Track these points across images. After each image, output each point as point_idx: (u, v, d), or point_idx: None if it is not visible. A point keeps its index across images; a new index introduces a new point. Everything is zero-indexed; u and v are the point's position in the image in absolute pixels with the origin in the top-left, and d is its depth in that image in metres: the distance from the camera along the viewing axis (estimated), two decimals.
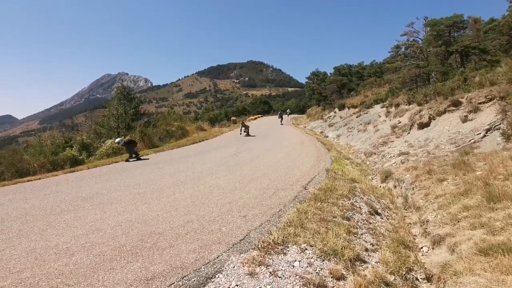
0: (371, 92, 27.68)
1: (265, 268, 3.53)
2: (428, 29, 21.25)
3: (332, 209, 5.63)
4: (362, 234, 4.94)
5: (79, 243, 4.20)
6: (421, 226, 5.76)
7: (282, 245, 4.10)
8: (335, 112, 30.85)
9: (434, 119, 12.49)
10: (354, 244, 4.37)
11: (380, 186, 8.96)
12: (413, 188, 7.56)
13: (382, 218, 6.11)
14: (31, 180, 9.64)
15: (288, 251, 3.98)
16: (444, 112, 12.26)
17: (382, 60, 36.98)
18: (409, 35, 22.33)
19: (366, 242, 4.68)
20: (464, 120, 10.69)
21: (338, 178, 8.01)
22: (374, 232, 5.19)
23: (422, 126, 12.64)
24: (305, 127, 32.49)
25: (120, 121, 22.00)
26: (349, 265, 3.78)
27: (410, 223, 6.19)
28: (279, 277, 3.40)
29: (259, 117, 52.80)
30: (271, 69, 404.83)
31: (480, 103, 10.77)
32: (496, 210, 4.77)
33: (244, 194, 6.44)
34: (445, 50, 20.09)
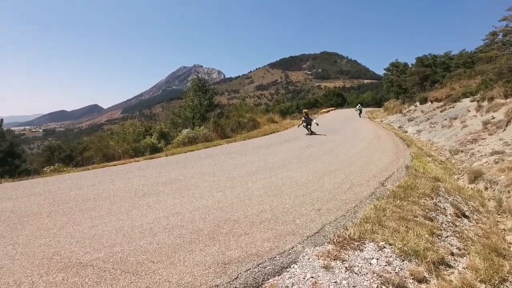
0: (458, 85, 25.14)
1: (340, 263, 3.44)
2: None
3: (412, 208, 5.25)
4: (447, 236, 4.53)
5: (160, 225, 4.49)
6: None
7: (358, 241, 3.94)
8: (415, 106, 28.78)
9: None
10: (438, 247, 4.04)
11: (468, 187, 8.12)
12: (509, 191, 6.72)
13: (470, 222, 5.54)
14: (116, 165, 10.51)
15: (365, 247, 3.82)
16: None
17: (474, 49, 33.16)
18: (510, 20, 19.69)
19: (451, 245, 4.28)
20: None
21: (419, 176, 7.44)
22: (461, 236, 4.73)
23: None
24: (381, 121, 30.86)
25: (195, 112, 23.10)
26: (432, 268, 3.50)
27: (504, 229, 5.51)
28: (355, 273, 3.28)
29: (332, 109, 51.54)
30: (345, 60, 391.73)
31: None
32: None
33: (317, 188, 6.32)
34: None
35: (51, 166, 11.72)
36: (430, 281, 3.33)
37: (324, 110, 48.59)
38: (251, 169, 8.29)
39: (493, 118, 13.67)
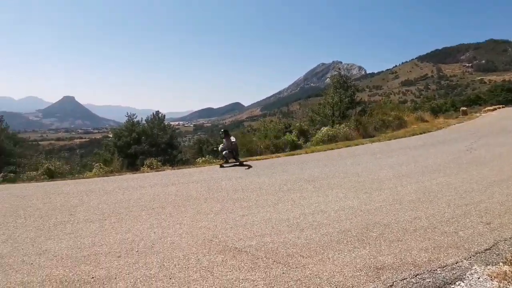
0: None
1: None
2: None
3: None
4: None
5: (306, 221, 4.53)
6: None
7: None
8: None
9: None
10: None
11: None
12: None
13: None
14: (259, 159, 11.20)
15: None
16: None
17: None
18: None
19: None
20: None
21: None
22: None
23: None
24: None
25: (335, 109, 22.81)
26: None
27: None
28: None
29: (500, 107, 43.54)
30: None
31: None
32: None
33: (485, 198, 5.35)
34: None
35: (203, 158, 13.20)
36: None
37: (489, 108, 41.32)
38: (400, 172, 7.64)
39: None
